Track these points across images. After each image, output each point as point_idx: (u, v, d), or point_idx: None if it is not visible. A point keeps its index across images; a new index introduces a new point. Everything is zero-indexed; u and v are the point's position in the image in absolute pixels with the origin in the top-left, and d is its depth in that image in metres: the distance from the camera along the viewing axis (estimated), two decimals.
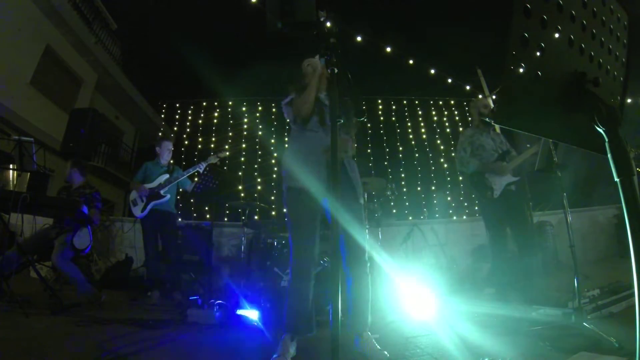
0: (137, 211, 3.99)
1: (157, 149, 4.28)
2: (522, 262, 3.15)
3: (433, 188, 7.36)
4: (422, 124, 7.79)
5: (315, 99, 2.07)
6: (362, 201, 2.09)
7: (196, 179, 4.03)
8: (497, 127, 4.30)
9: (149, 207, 3.96)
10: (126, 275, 4.70)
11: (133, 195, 4.06)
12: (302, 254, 1.93)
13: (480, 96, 7.48)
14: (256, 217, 5.04)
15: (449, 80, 7.32)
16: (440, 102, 7.90)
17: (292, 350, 1.88)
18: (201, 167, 4.02)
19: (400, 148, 7.66)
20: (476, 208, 7.03)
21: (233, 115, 7.72)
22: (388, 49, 6.60)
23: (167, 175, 4.10)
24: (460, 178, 7.33)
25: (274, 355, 1.79)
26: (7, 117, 7.32)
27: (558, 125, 0.90)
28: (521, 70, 0.79)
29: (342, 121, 2.08)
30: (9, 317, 2.44)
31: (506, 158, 3.11)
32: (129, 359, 1.77)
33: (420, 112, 7.84)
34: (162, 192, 4.00)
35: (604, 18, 0.93)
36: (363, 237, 1.99)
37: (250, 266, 4.23)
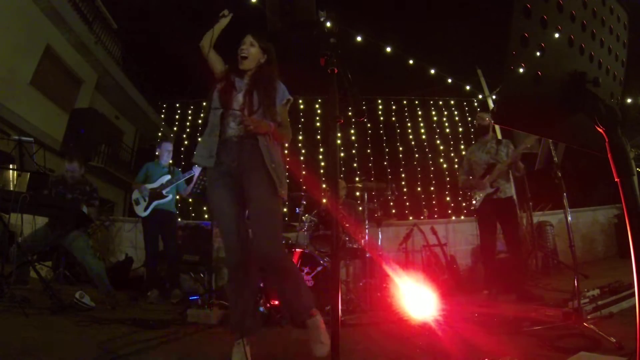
0: (140, 210, 4.03)
1: (158, 149, 4.34)
2: (511, 261, 3.55)
3: (432, 188, 7.34)
4: (422, 124, 7.77)
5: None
6: (281, 193, 1.80)
7: (193, 181, 3.99)
8: (499, 134, 4.53)
9: (151, 206, 4.00)
10: (126, 275, 4.70)
11: (135, 195, 4.11)
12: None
13: (480, 97, 7.47)
14: None
15: (449, 80, 7.31)
16: (440, 102, 7.88)
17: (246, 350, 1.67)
18: (196, 171, 3.98)
19: (400, 148, 7.64)
20: (472, 209, 7.04)
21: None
22: (388, 49, 6.59)
23: (168, 176, 4.14)
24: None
25: None
26: (7, 117, 7.31)
27: (558, 125, 0.90)
28: (521, 70, 0.79)
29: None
30: (9, 317, 2.43)
31: (489, 172, 3.52)
32: (129, 359, 1.77)
33: (420, 112, 7.82)
34: (164, 192, 4.04)
35: (604, 18, 0.92)
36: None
37: None
